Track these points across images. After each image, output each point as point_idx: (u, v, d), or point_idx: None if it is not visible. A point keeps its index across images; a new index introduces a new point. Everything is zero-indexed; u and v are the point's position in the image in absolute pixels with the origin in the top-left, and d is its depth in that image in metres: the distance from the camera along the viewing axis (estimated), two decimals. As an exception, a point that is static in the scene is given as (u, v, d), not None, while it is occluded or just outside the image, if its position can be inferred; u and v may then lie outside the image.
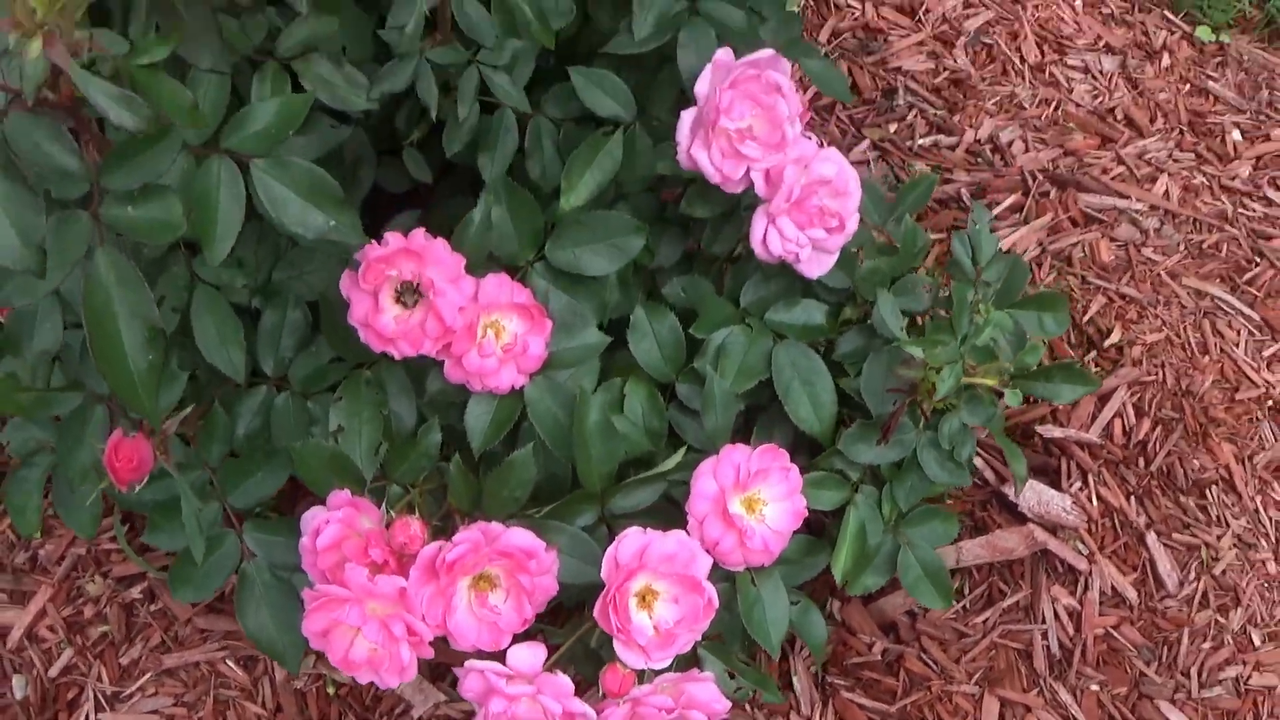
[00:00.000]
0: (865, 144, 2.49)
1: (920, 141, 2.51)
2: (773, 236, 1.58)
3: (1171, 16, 2.92)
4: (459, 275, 1.45)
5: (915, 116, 2.56)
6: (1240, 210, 2.50)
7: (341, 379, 1.58)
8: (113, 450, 1.31)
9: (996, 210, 2.40)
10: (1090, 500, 2.05)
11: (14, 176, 1.01)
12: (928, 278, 1.71)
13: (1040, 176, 2.47)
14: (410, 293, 1.44)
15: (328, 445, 1.50)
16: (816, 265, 1.62)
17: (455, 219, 1.75)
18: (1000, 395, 1.61)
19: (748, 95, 1.54)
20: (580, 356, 1.58)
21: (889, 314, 1.62)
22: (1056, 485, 2.06)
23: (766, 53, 1.56)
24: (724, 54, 1.55)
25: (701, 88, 1.54)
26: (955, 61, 2.66)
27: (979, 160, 2.50)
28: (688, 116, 1.54)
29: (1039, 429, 2.10)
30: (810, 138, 1.60)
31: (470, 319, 1.46)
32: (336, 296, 1.50)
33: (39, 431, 1.58)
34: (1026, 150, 2.52)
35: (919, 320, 1.76)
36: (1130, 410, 2.15)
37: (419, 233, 1.44)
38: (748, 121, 1.54)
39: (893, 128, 2.54)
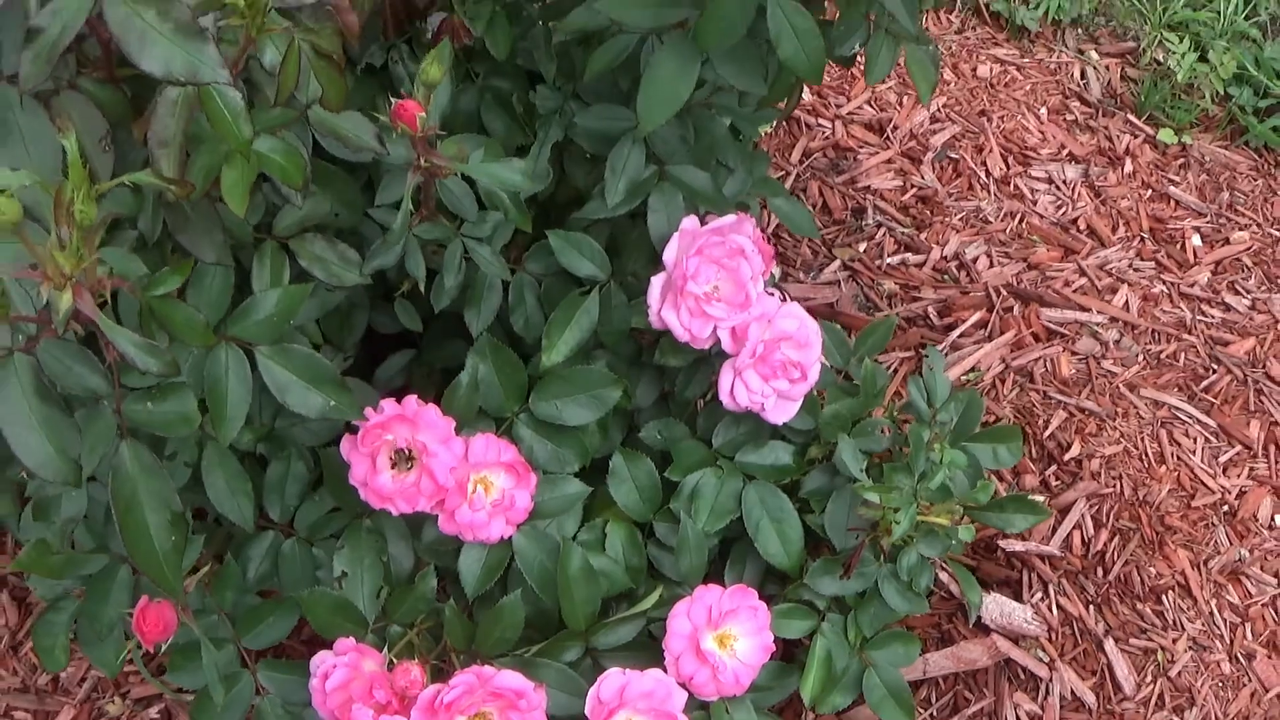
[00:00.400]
0: (836, 264, 2.63)
1: (889, 260, 2.65)
2: (739, 389, 1.71)
3: (1135, 120, 3.05)
4: (449, 436, 1.58)
5: (884, 235, 2.69)
6: (1199, 317, 2.63)
7: (344, 527, 1.71)
8: (140, 615, 1.45)
9: (962, 328, 2.53)
10: (1050, 610, 2.18)
11: (50, 400, 1.14)
12: (886, 420, 1.84)
13: (1004, 292, 2.59)
14: (405, 458, 1.57)
15: (333, 593, 1.63)
16: (782, 412, 1.75)
17: (444, 360, 1.88)
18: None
19: (713, 260, 1.67)
20: (563, 506, 1.71)
21: (850, 457, 1.75)
22: (1018, 596, 2.18)
23: (730, 218, 1.69)
24: (690, 222, 1.69)
25: (669, 254, 1.67)
26: (923, 178, 2.79)
27: (945, 277, 2.63)
28: (657, 282, 1.68)
29: (1002, 543, 2.22)
30: (773, 293, 1.73)
31: (461, 477, 1.59)
32: (336, 450, 1.63)
33: (64, 580, 1.71)
34: (991, 265, 2.65)
35: (879, 458, 1.88)
36: (1089, 522, 2.27)
37: (411, 400, 1.57)
38: (713, 284, 1.67)
39: (862, 247, 2.67)
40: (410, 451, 1.57)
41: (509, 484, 1.63)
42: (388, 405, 1.57)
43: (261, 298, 1.44)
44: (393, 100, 1.44)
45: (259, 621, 1.69)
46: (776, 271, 2.58)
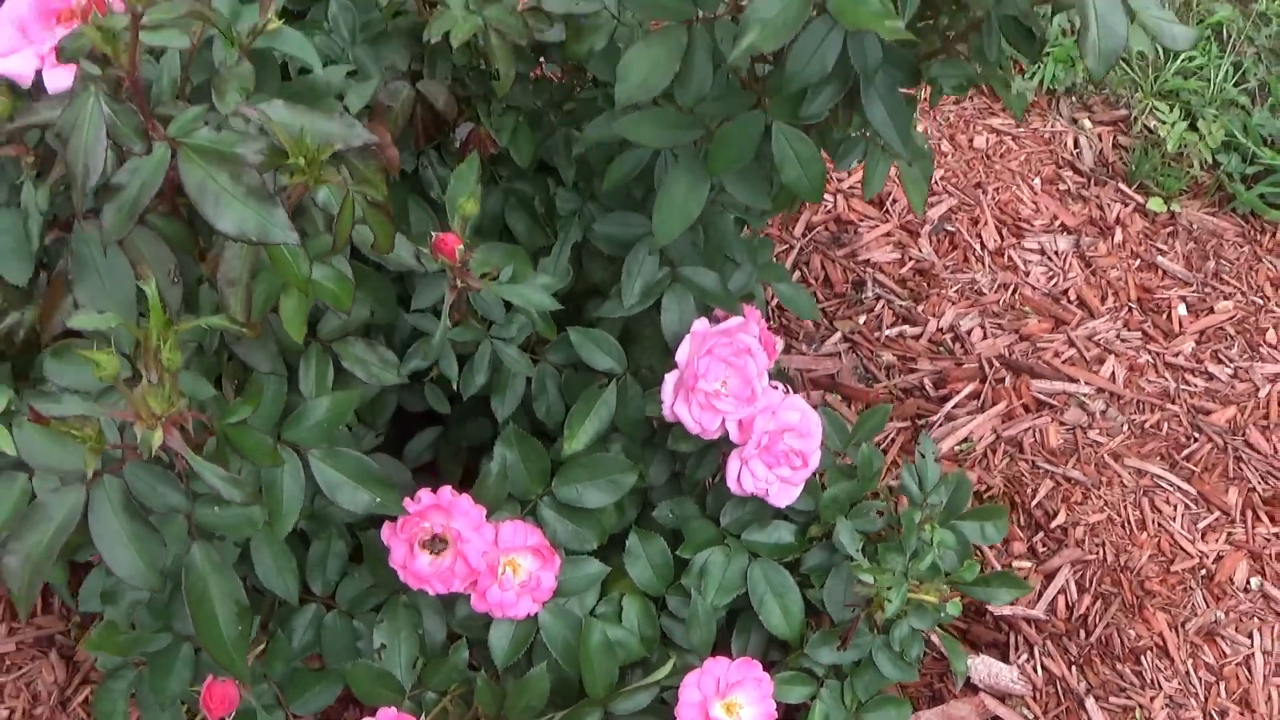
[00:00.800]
0: (837, 336, 2.78)
1: (888, 332, 2.80)
2: (746, 477, 1.86)
3: (1125, 189, 3.19)
4: (481, 523, 1.74)
5: (883, 307, 2.85)
6: (1182, 386, 2.77)
7: (382, 601, 1.87)
8: (207, 693, 1.62)
9: (956, 399, 2.68)
10: (1035, 670, 2.32)
11: (137, 517, 1.30)
12: (881, 503, 1.99)
13: (997, 363, 2.75)
14: (440, 543, 1.73)
15: (374, 665, 1.79)
16: (785, 496, 1.90)
17: (469, 438, 2.04)
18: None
19: (721, 359, 1.82)
20: (584, 585, 1.87)
21: (847, 538, 1.90)
22: (1005, 657, 2.33)
23: (737, 320, 1.85)
24: (700, 324, 1.84)
25: (682, 355, 1.82)
26: (920, 251, 2.95)
27: (941, 349, 2.78)
28: (670, 379, 1.83)
29: (990, 607, 2.37)
30: (776, 387, 1.88)
31: (492, 561, 1.74)
32: (375, 533, 1.79)
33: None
34: (985, 337, 2.80)
35: (875, 537, 2.03)
36: (1073, 587, 2.42)
37: (446, 490, 1.73)
38: (722, 380, 1.83)
39: (862, 319, 2.82)
40: (445, 537, 1.72)
41: (535, 566, 1.78)
42: (424, 495, 1.72)
43: (313, 405, 1.60)
44: (422, 201, 1.60)
45: (306, 690, 1.85)
46: (780, 343, 2.73)
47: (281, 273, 1.36)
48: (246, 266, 1.35)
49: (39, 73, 1.34)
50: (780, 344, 2.54)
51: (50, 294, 1.42)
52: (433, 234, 1.58)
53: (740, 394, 1.84)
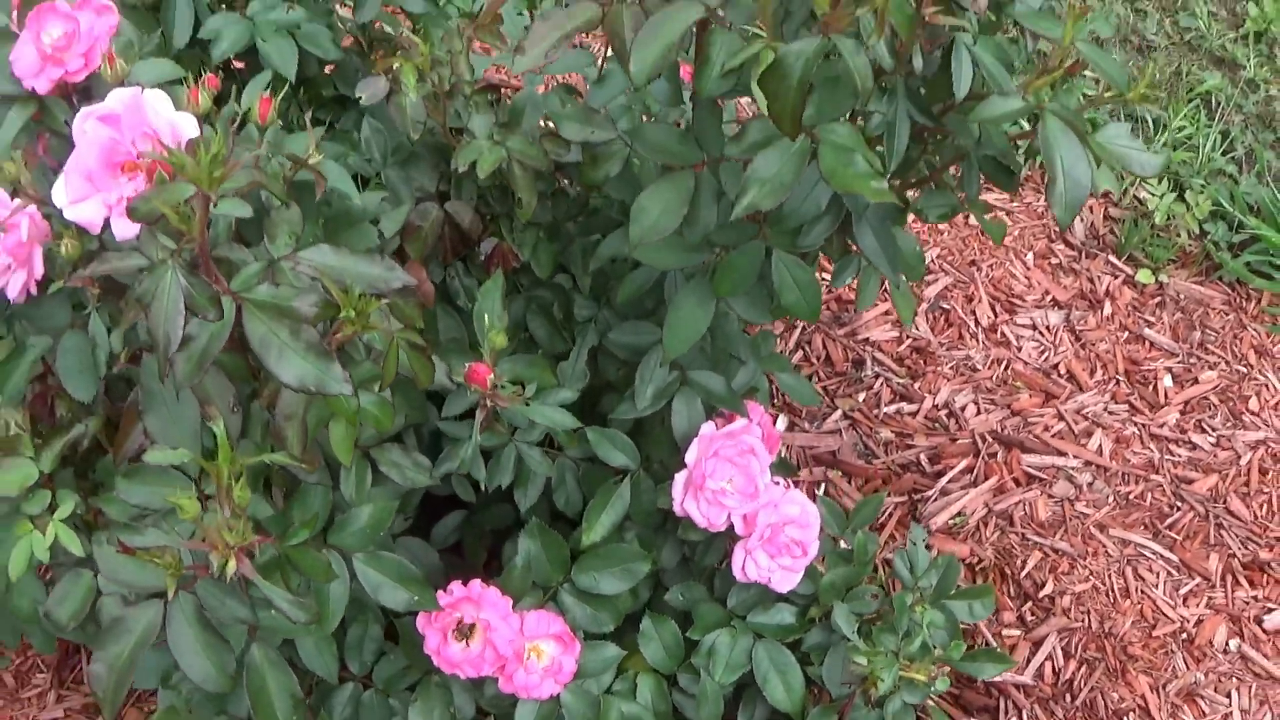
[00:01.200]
0: (838, 413, 2.94)
1: (886, 409, 2.96)
2: (750, 566, 2.02)
3: (1115, 260, 3.35)
4: (508, 613, 1.90)
5: (881, 385, 3.01)
6: (1166, 457, 2.93)
7: (416, 681, 2.03)
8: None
9: (950, 474, 2.84)
10: (1025, 734, 2.49)
11: (209, 628, 1.46)
12: (875, 588, 2.15)
13: (989, 438, 2.91)
14: (469, 629, 1.89)
15: (411, 744, 1.96)
16: (786, 582, 2.06)
17: (493, 522, 2.21)
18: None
19: (727, 459, 1.98)
20: (602, 667, 2.03)
21: (843, 621, 2.07)
22: (996, 722, 2.49)
23: (741, 423, 2.01)
24: (708, 428, 2.00)
25: (690, 456, 1.99)
26: (917, 329, 3.11)
27: (936, 425, 2.94)
28: (680, 478, 1.99)
29: (982, 674, 2.54)
30: (778, 482, 2.05)
31: (518, 648, 1.91)
32: (409, 620, 1.95)
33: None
34: (978, 413, 2.96)
35: (870, 618, 2.19)
36: (1059, 653, 2.58)
37: (475, 583, 1.89)
38: (728, 478, 1.99)
39: (861, 396, 2.99)
40: (474, 625, 1.89)
41: (558, 652, 1.94)
42: (456, 588, 1.88)
43: (356, 513, 1.76)
44: (450, 309, 1.76)
45: (350, 765, 2.02)
46: (783, 423, 2.90)
47: (332, 406, 1.52)
48: (302, 403, 1.51)
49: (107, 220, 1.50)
50: (784, 423, 2.72)
51: (124, 423, 1.59)
52: (466, 364, 1.74)
53: (745, 491, 2.00)
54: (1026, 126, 1.68)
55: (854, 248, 1.94)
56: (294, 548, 1.53)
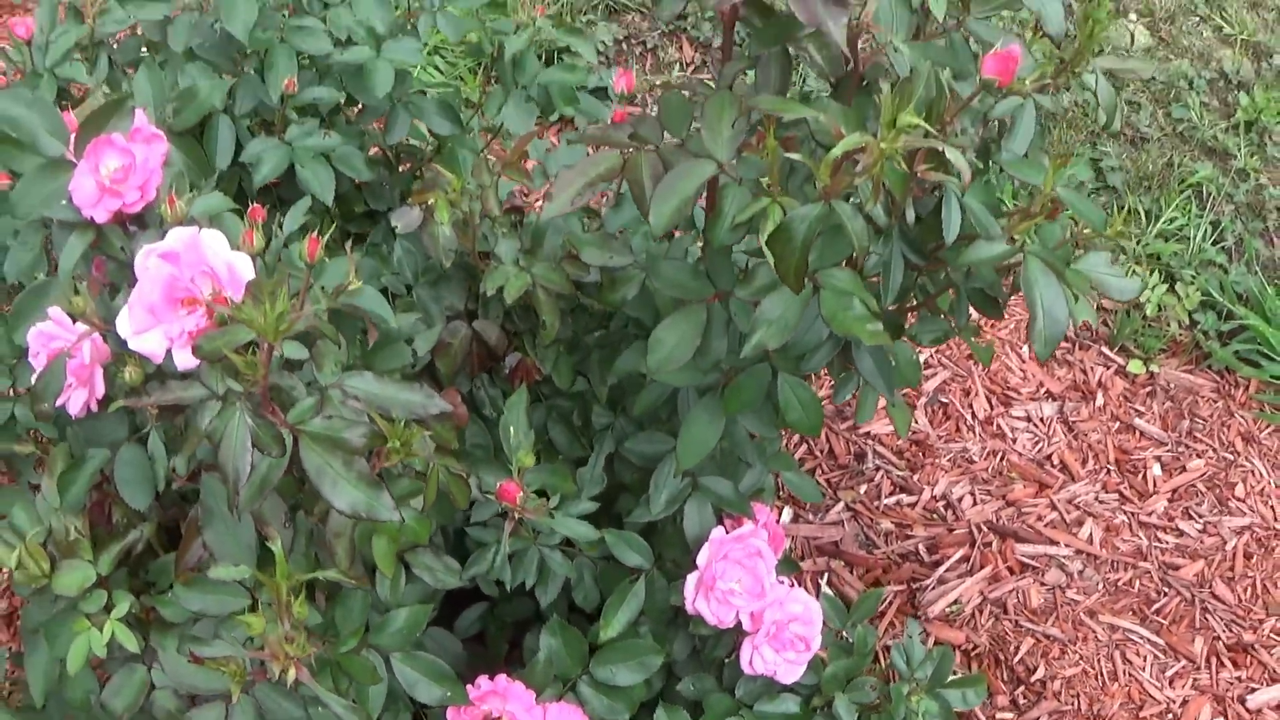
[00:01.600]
0: (840, 505, 3.09)
1: (886, 501, 3.11)
2: (757, 660, 2.17)
3: (1108, 352, 3.50)
4: (531, 705, 2.04)
5: (882, 477, 3.15)
6: (1154, 544, 3.07)
7: (448, 768, 2.17)
8: None
9: (948, 563, 2.98)
10: (1017, 814, 2.62)
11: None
12: (874, 680, 2.29)
13: (985, 528, 3.05)
14: (497, 723, 2.03)
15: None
16: (791, 674, 2.20)
17: (514, 614, 2.35)
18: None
19: (735, 561, 2.13)
20: (620, 756, 2.17)
21: (844, 711, 2.21)
22: (990, 802, 2.63)
23: (749, 527, 2.16)
24: (718, 532, 2.15)
25: (701, 559, 2.13)
26: (916, 422, 3.26)
27: (934, 516, 3.09)
28: (691, 579, 2.14)
29: (977, 757, 2.68)
30: (783, 581, 2.19)
31: (542, 739, 2.05)
32: (440, 712, 2.09)
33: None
34: (974, 504, 3.11)
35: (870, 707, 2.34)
36: (1050, 737, 2.73)
37: (501, 678, 2.02)
38: (736, 580, 2.13)
39: (863, 488, 3.13)
40: (501, 718, 2.03)
41: (578, 742, 2.09)
42: (483, 682, 2.02)
43: (394, 615, 1.90)
44: (476, 418, 1.91)
45: None
46: (788, 515, 3.04)
47: (376, 524, 1.67)
48: (350, 524, 1.66)
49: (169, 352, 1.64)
50: (788, 514, 2.86)
51: (185, 536, 1.74)
52: (497, 482, 1.89)
53: (752, 591, 2.14)
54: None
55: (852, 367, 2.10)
56: (345, 655, 1.68)
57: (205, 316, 1.62)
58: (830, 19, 1.52)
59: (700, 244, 2.10)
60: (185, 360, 1.61)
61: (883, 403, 2.20)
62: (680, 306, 1.86)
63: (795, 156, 1.56)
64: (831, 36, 1.52)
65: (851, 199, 1.56)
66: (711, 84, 1.90)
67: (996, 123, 1.86)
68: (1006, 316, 3.55)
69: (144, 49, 2.27)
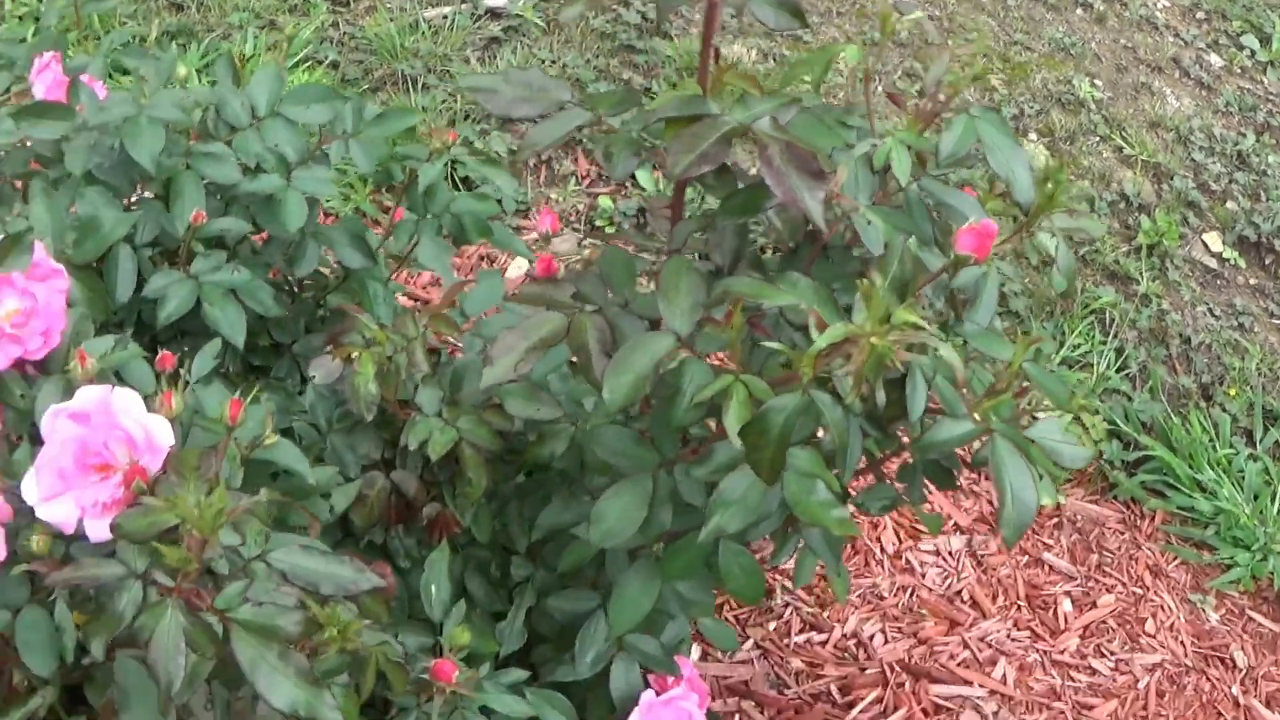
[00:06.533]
0: (749, 643, 2.99)
1: (796, 639, 3.02)
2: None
3: (1012, 478, 3.43)
4: None
5: (791, 614, 3.06)
6: (1068, 683, 3.01)
7: None
8: None
9: (861, 705, 2.89)
10: None
11: None
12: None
13: (898, 668, 2.97)
14: None
15: None
16: None
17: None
18: None
19: (667, 729, 2.03)
20: None
21: None
22: None
23: (680, 689, 2.05)
24: (648, 695, 2.04)
25: (633, 722, 2.03)
26: (826, 556, 3.17)
27: (846, 655, 3.00)
28: (622, 747, 2.03)
29: None
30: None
31: None
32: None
33: None
34: (886, 642, 3.03)
35: None
36: None
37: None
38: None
39: (772, 625, 3.04)
40: None
41: None
42: None
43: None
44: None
45: None
46: (697, 652, 2.94)
47: (307, 714, 1.56)
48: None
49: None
50: (697, 652, 2.77)
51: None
52: (430, 661, 1.78)
53: (691, 754, 2.04)
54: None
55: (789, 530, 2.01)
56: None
57: (121, 485, 1.51)
58: (809, 195, 1.44)
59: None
60: (99, 532, 1.49)
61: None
62: (622, 476, 1.77)
63: (775, 345, 1.47)
64: (811, 215, 1.43)
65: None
66: (652, 239, 1.81)
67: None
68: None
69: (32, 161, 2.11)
